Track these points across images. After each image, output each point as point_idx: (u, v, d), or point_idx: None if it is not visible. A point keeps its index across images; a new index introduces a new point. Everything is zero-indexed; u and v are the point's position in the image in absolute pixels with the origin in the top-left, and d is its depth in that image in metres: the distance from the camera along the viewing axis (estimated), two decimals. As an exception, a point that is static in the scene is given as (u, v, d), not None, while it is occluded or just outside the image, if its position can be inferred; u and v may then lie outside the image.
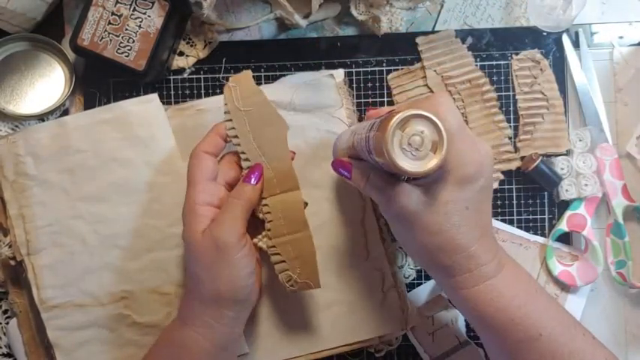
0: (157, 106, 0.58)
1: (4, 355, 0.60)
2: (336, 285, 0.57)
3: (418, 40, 0.59)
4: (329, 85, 0.57)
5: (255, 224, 0.52)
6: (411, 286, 0.59)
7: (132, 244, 0.57)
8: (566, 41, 0.59)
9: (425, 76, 0.59)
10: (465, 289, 0.43)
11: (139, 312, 0.56)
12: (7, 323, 0.60)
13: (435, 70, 0.59)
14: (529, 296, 0.43)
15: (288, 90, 0.57)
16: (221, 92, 0.59)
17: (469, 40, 0.59)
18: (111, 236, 0.57)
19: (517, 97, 0.59)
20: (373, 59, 0.60)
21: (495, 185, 0.59)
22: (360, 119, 0.59)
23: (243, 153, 0.51)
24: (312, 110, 0.58)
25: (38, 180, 0.57)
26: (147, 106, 0.57)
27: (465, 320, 0.58)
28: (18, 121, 0.60)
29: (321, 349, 0.57)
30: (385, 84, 0.60)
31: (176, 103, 0.60)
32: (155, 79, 0.59)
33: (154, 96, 0.58)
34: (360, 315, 0.57)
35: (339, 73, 0.58)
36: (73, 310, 0.56)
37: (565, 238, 0.59)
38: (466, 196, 0.42)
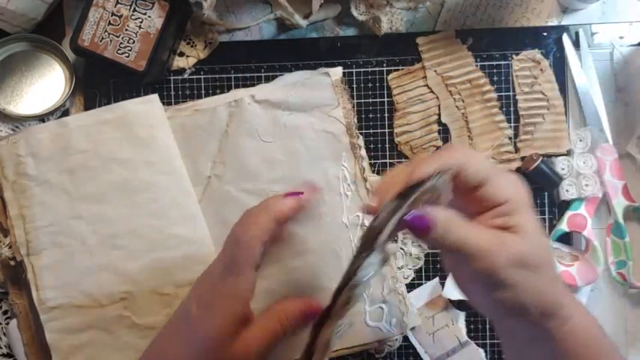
0: (158, 107, 0.58)
1: (4, 355, 0.60)
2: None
3: (419, 40, 0.59)
4: (325, 83, 0.57)
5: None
6: (411, 286, 0.59)
7: (132, 244, 0.57)
8: (566, 41, 0.58)
9: (425, 76, 0.59)
10: (568, 321, 0.40)
11: (138, 313, 0.56)
12: (7, 324, 0.60)
13: (435, 70, 0.59)
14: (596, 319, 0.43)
15: (284, 89, 0.57)
16: (221, 92, 0.59)
17: (469, 40, 0.59)
18: (111, 236, 0.57)
19: (517, 97, 0.59)
20: (373, 59, 0.60)
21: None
22: (360, 119, 0.59)
23: None
24: (308, 110, 0.58)
25: (39, 180, 0.57)
26: (148, 106, 0.57)
27: (465, 320, 0.59)
28: (18, 121, 0.60)
29: None
30: (385, 84, 0.60)
31: (176, 103, 0.60)
32: (155, 79, 0.59)
33: (155, 96, 0.58)
34: (359, 319, 0.56)
35: (337, 71, 0.58)
36: (71, 311, 0.56)
37: (565, 239, 0.59)
38: (536, 218, 0.40)
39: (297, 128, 0.57)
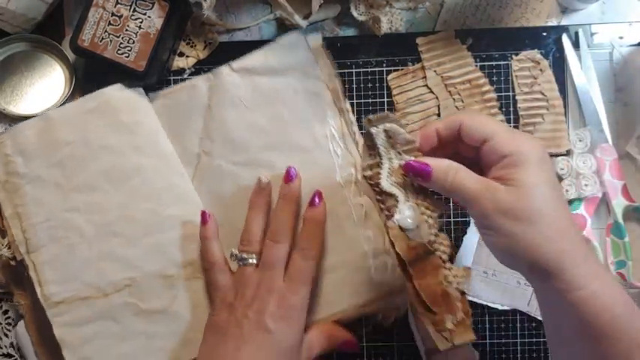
0: (139, 92, 0.58)
1: (4, 355, 0.60)
2: (338, 247, 0.56)
3: (418, 40, 0.59)
4: (300, 43, 0.58)
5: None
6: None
7: (129, 230, 0.57)
8: (566, 41, 0.59)
9: (425, 77, 0.59)
10: (580, 290, 0.40)
11: (144, 298, 0.56)
12: (8, 324, 0.60)
13: (435, 71, 0.59)
14: (631, 302, 0.41)
15: (260, 54, 0.58)
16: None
17: (469, 40, 0.59)
18: (107, 224, 0.57)
19: (517, 97, 0.59)
20: (373, 59, 0.60)
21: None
22: (360, 119, 0.59)
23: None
24: (286, 72, 0.58)
25: (29, 177, 0.57)
26: (128, 91, 0.58)
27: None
28: (18, 121, 0.60)
29: (328, 314, 0.56)
30: (385, 84, 0.60)
31: (176, 103, 0.60)
32: (155, 79, 0.59)
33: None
34: (364, 275, 0.56)
35: (317, 37, 0.58)
36: (77, 304, 0.56)
37: (565, 239, 0.59)
38: (548, 177, 0.42)
39: (277, 92, 0.58)
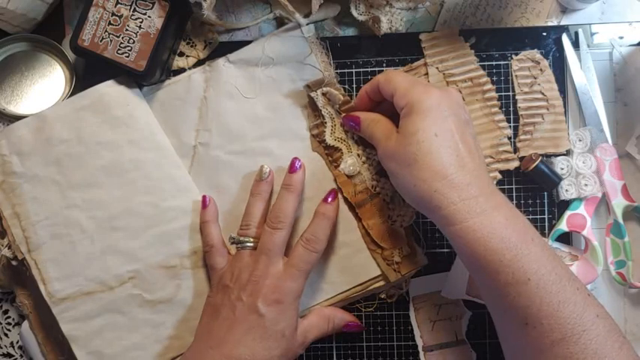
0: (132, 86, 0.58)
1: (4, 355, 0.60)
2: (339, 229, 0.57)
3: (422, 36, 0.59)
4: (295, 33, 0.58)
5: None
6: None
7: (130, 223, 0.57)
8: (565, 41, 0.59)
9: (427, 73, 0.59)
10: (455, 225, 0.44)
11: (148, 289, 0.57)
12: (8, 324, 0.60)
13: (437, 67, 0.59)
14: (522, 241, 0.44)
15: (257, 46, 0.58)
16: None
17: (472, 39, 0.59)
18: (108, 219, 0.57)
19: (517, 97, 0.59)
20: (373, 59, 0.60)
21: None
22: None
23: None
24: (283, 62, 0.58)
25: (26, 176, 0.57)
26: (121, 86, 0.58)
27: (470, 320, 0.59)
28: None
29: (333, 294, 0.57)
30: (385, 84, 0.59)
31: (176, 103, 0.60)
32: (156, 79, 0.59)
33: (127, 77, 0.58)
34: (366, 253, 0.57)
35: (310, 28, 0.59)
36: (82, 299, 0.57)
37: (565, 238, 0.59)
38: (432, 123, 0.46)
39: (274, 81, 0.58)
